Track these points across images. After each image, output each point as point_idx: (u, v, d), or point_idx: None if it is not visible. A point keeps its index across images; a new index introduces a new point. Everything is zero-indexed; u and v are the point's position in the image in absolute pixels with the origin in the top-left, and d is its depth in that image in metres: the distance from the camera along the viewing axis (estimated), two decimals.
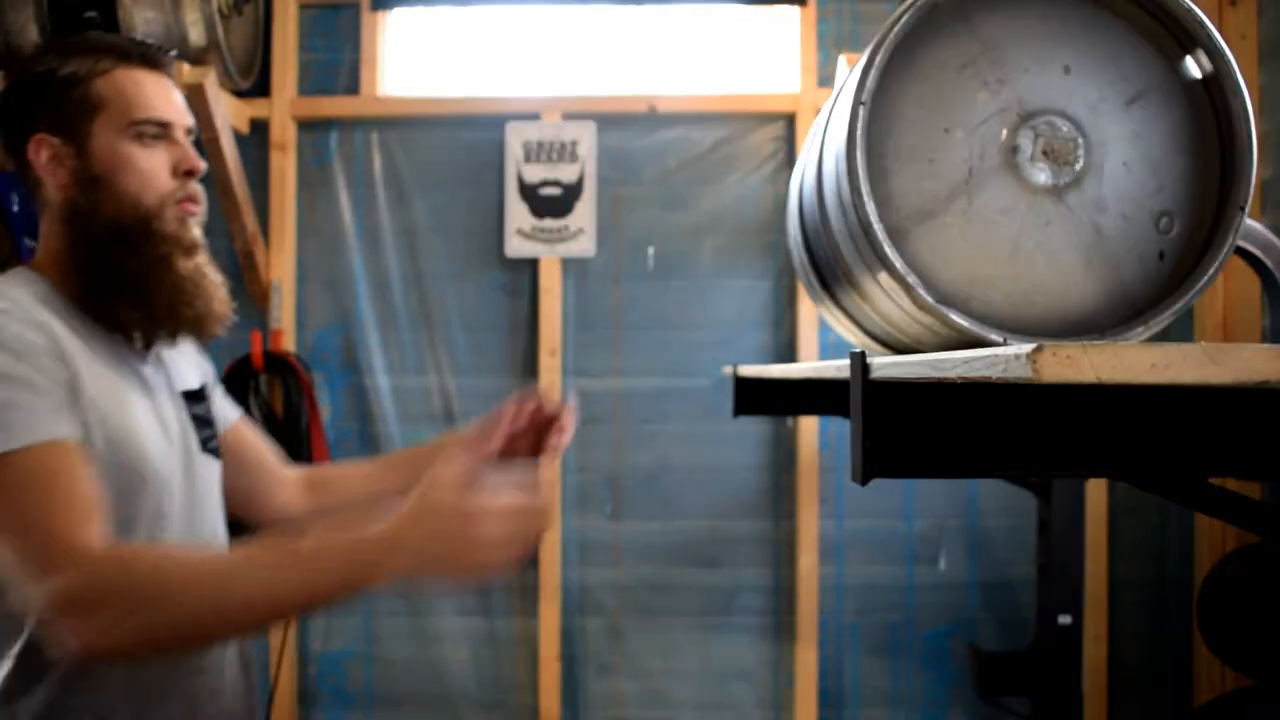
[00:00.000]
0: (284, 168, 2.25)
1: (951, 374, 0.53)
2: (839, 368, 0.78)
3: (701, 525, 2.27)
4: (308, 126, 2.28)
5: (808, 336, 2.23)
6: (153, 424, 1.02)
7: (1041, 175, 0.85)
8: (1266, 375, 0.43)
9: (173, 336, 1.08)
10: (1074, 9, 0.88)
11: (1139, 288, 0.88)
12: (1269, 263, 1.58)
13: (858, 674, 2.27)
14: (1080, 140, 0.86)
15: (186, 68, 1.97)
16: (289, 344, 2.25)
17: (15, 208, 2.01)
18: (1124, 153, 0.87)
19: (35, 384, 0.89)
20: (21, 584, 0.85)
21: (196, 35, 2.01)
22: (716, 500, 2.27)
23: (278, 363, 2.19)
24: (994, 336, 0.85)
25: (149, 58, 1.05)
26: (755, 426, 2.26)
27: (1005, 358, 0.47)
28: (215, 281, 1.10)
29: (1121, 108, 0.88)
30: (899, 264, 0.82)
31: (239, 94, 2.20)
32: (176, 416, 1.07)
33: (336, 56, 2.31)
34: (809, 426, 2.23)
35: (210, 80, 1.99)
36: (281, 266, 2.24)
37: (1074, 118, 0.86)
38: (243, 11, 2.10)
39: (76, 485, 0.88)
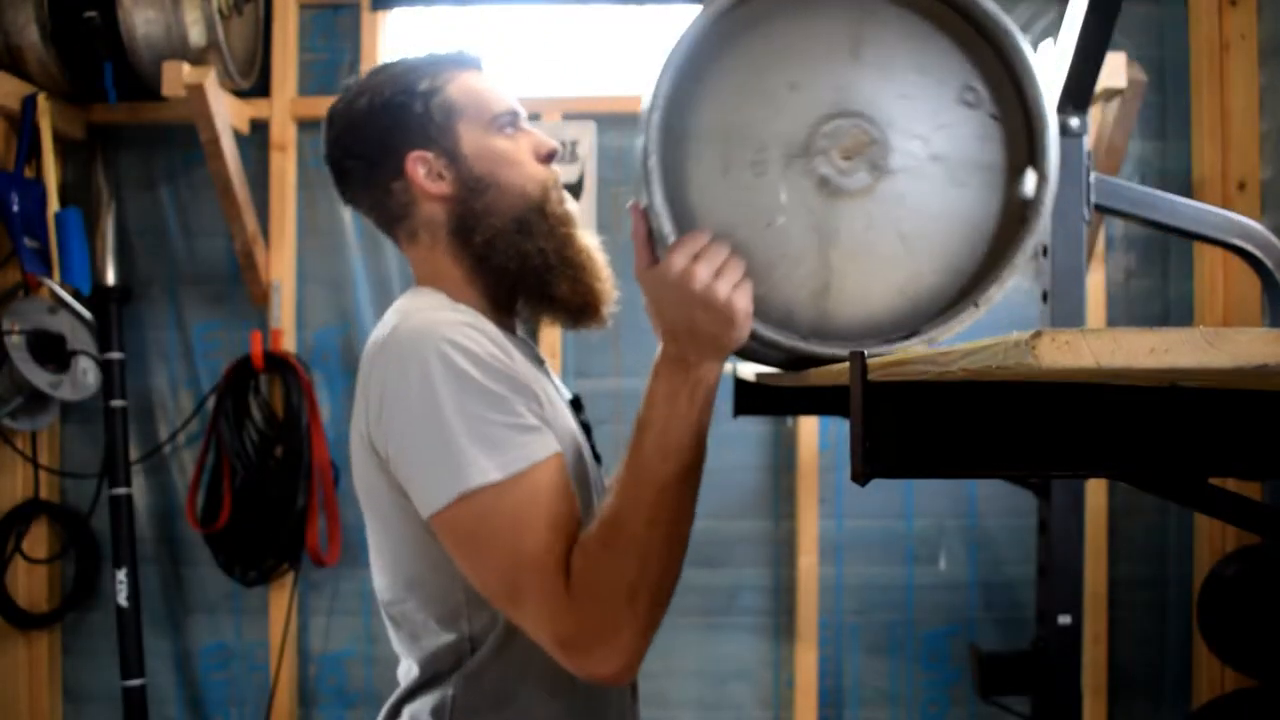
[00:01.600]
0: (284, 168, 2.25)
1: (953, 367, 0.53)
2: (839, 368, 0.78)
3: (701, 525, 2.23)
4: (308, 126, 2.28)
5: None
6: (577, 430, 1.03)
7: (842, 176, 0.85)
8: (1265, 359, 0.43)
9: (585, 316, 1.06)
10: (873, 9, 0.87)
11: (944, 284, 0.88)
12: (1269, 263, 1.58)
13: (858, 674, 2.27)
14: (880, 140, 0.85)
15: (186, 68, 1.97)
16: (289, 344, 2.25)
17: (15, 208, 2.01)
18: (926, 150, 0.87)
19: (516, 409, 0.89)
20: (514, 613, 0.88)
21: (196, 35, 2.01)
22: (716, 500, 2.27)
23: (278, 363, 2.20)
24: (797, 344, 0.87)
25: (470, 59, 1.06)
26: (755, 426, 2.26)
27: (1005, 345, 0.47)
28: (600, 265, 1.06)
29: (926, 106, 0.87)
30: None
31: (239, 94, 2.20)
32: (574, 422, 1.06)
33: (336, 56, 2.31)
34: (809, 426, 2.23)
35: (210, 80, 1.99)
36: (281, 266, 2.24)
37: (874, 118, 0.86)
38: (243, 11, 2.10)
39: (569, 502, 0.89)
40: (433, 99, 1.01)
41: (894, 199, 0.86)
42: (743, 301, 0.84)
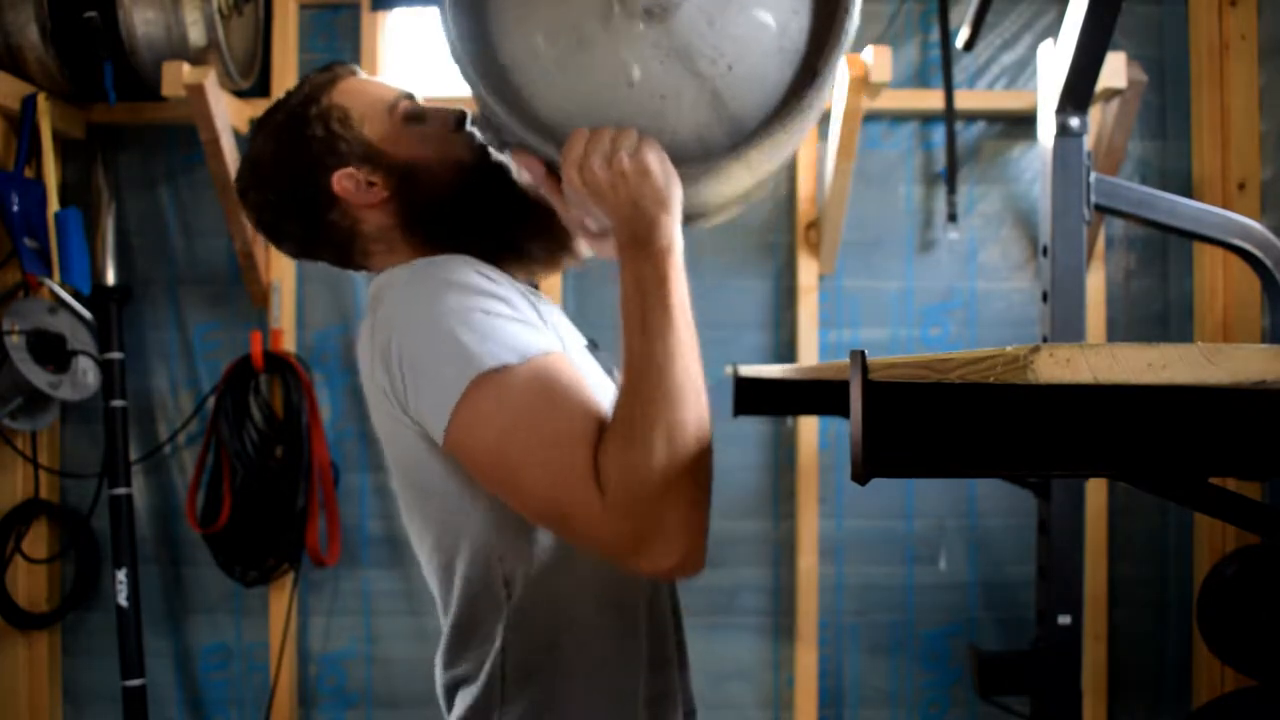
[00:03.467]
0: None
1: (951, 376, 0.53)
2: (839, 368, 0.78)
3: None
4: None
5: (808, 337, 2.23)
6: (597, 368, 1.04)
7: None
8: (1263, 375, 0.43)
9: (560, 254, 1.08)
10: None
11: (746, 108, 0.88)
12: (1269, 263, 1.59)
13: (858, 674, 2.27)
14: None
15: (186, 68, 1.97)
16: (289, 344, 2.25)
17: (15, 208, 2.01)
18: None
19: (522, 313, 0.90)
20: (559, 529, 0.87)
21: (196, 35, 2.01)
22: (716, 500, 2.25)
23: (278, 363, 2.20)
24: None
25: (346, 67, 1.06)
26: (755, 426, 2.26)
27: (1003, 359, 0.47)
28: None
29: None
30: (484, 94, 0.85)
31: (239, 94, 2.20)
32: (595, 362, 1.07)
33: (336, 56, 2.30)
34: (809, 426, 2.23)
35: (210, 80, 1.99)
36: (281, 266, 2.24)
37: None
38: (243, 11, 2.10)
39: (582, 392, 0.87)
40: (329, 118, 1.00)
41: (692, 23, 0.86)
42: (650, 156, 0.84)
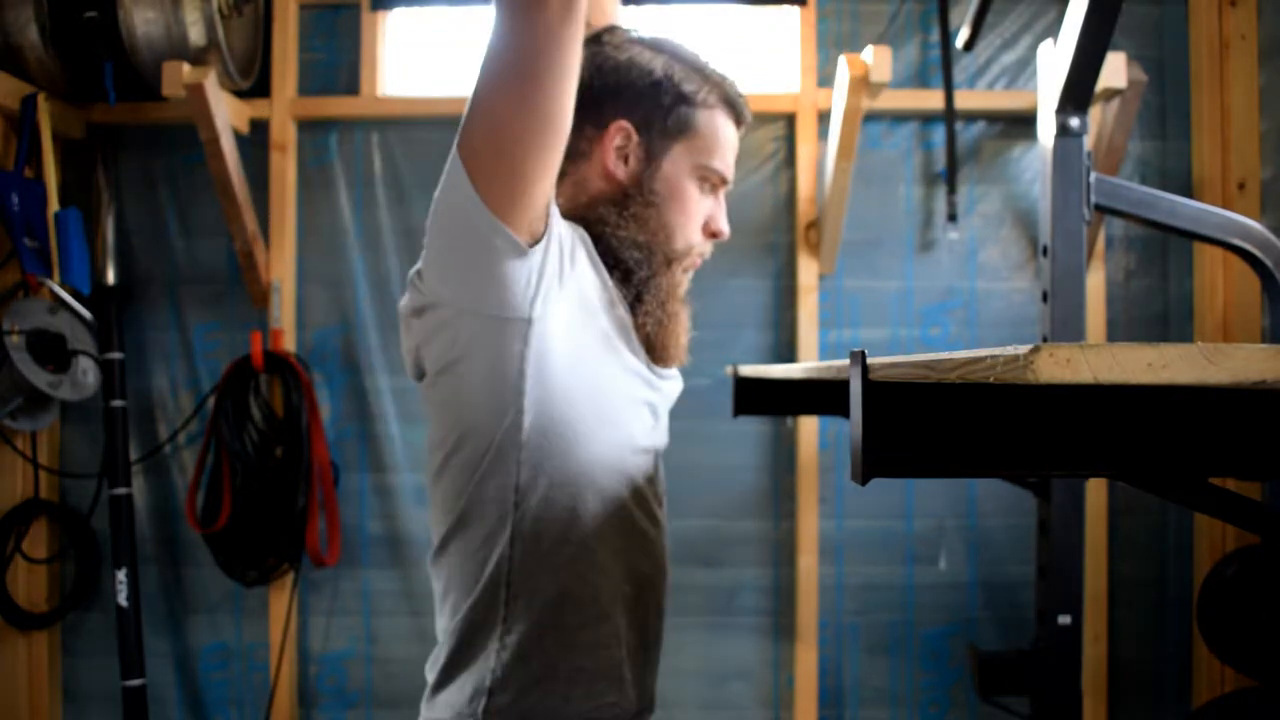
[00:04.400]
0: (284, 168, 2.25)
1: (950, 375, 0.53)
2: (839, 368, 0.78)
3: (701, 525, 2.27)
4: (308, 127, 2.28)
5: (808, 336, 2.23)
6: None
7: None
8: (1264, 375, 0.43)
9: (650, 355, 1.09)
10: None
11: None
12: (1269, 263, 1.58)
13: (858, 674, 2.27)
14: None
15: (186, 68, 1.97)
16: (289, 344, 2.25)
17: (15, 208, 2.01)
18: None
19: None
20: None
21: (196, 35, 2.01)
22: (716, 500, 2.27)
23: (278, 363, 2.20)
24: None
25: (741, 112, 1.07)
26: (755, 426, 2.26)
27: (1002, 359, 0.47)
28: (685, 328, 1.10)
29: None
30: None
31: (239, 94, 2.20)
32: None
33: (336, 56, 2.31)
34: (809, 426, 2.23)
35: (210, 80, 1.99)
36: (281, 266, 2.24)
37: None
38: (243, 11, 2.10)
39: None
40: (682, 105, 1.01)
41: None
42: None
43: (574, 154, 1.03)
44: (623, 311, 1.02)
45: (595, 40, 1.06)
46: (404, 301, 1.03)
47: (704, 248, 1.08)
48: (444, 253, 0.93)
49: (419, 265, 0.99)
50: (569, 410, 0.97)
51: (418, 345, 1.02)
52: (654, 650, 1.10)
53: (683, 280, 1.08)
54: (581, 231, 1.00)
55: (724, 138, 1.05)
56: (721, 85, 1.05)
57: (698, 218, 1.04)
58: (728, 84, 1.06)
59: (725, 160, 1.05)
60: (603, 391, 1.00)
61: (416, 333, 1.01)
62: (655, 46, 1.05)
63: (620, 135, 1.01)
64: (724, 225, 1.07)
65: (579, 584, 0.99)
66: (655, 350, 1.07)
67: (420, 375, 1.05)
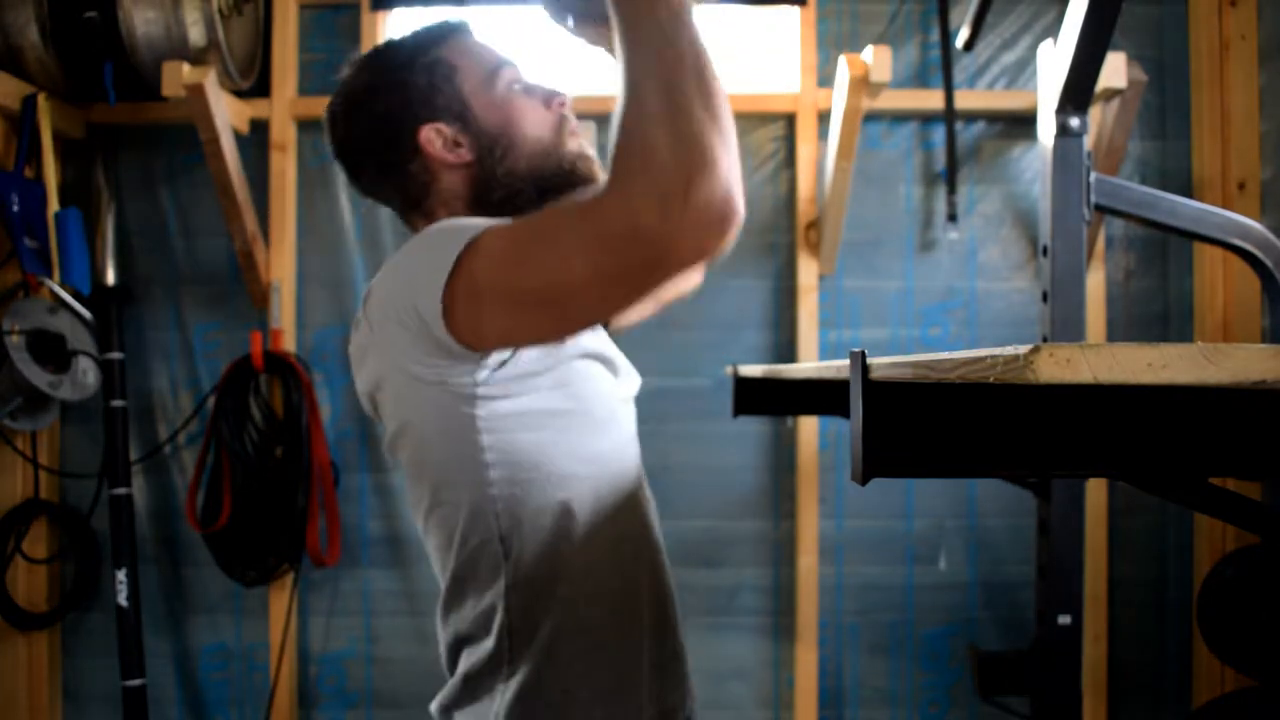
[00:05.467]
0: (284, 168, 2.25)
1: (950, 375, 0.53)
2: (839, 368, 0.78)
3: (701, 525, 2.27)
4: (308, 126, 2.28)
5: (808, 336, 2.23)
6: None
7: None
8: (1263, 375, 0.43)
9: None
10: None
11: None
12: (1269, 263, 1.59)
13: (858, 674, 2.27)
14: None
15: (186, 68, 1.97)
16: (289, 344, 2.25)
17: (15, 208, 2.01)
18: None
19: None
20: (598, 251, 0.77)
21: (196, 35, 2.01)
22: (716, 500, 2.27)
23: (278, 363, 2.19)
24: None
25: (461, 25, 1.06)
26: (755, 426, 2.26)
27: (1003, 359, 0.47)
28: None
29: None
30: None
31: (239, 94, 2.20)
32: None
33: (336, 56, 2.31)
34: (809, 426, 2.23)
35: (210, 80, 1.99)
36: (281, 266, 2.24)
37: None
38: (243, 11, 2.10)
39: None
40: (434, 69, 1.00)
41: None
42: None
43: (424, 188, 1.02)
44: None
45: (349, 114, 1.03)
46: (353, 342, 1.00)
47: (565, 116, 1.03)
48: (385, 311, 0.91)
49: (366, 297, 0.96)
50: (536, 453, 0.94)
51: (370, 392, 1.00)
52: (673, 663, 1.06)
53: (581, 152, 1.04)
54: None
55: (477, 48, 1.03)
56: (429, 30, 1.03)
57: (530, 104, 1.02)
58: (429, 26, 1.05)
59: (497, 54, 1.03)
60: (566, 406, 0.96)
61: (366, 378, 0.98)
62: (368, 70, 1.03)
63: (433, 135, 0.99)
64: (558, 90, 1.03)
65: (577, 619, 0.97)
66: None
67: (379, 416, 1.02)
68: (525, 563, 0.95)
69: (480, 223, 0.86)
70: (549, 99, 1.03)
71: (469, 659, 0.98)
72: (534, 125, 1.01)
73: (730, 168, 0.74)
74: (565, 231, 0.79)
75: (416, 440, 0.97)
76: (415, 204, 1.04)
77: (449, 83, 1.00)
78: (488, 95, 1.00)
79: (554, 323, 0.83)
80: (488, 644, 0.96)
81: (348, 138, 1.03)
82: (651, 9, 0.77)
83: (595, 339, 1.02)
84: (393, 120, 1.00)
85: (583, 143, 1.05)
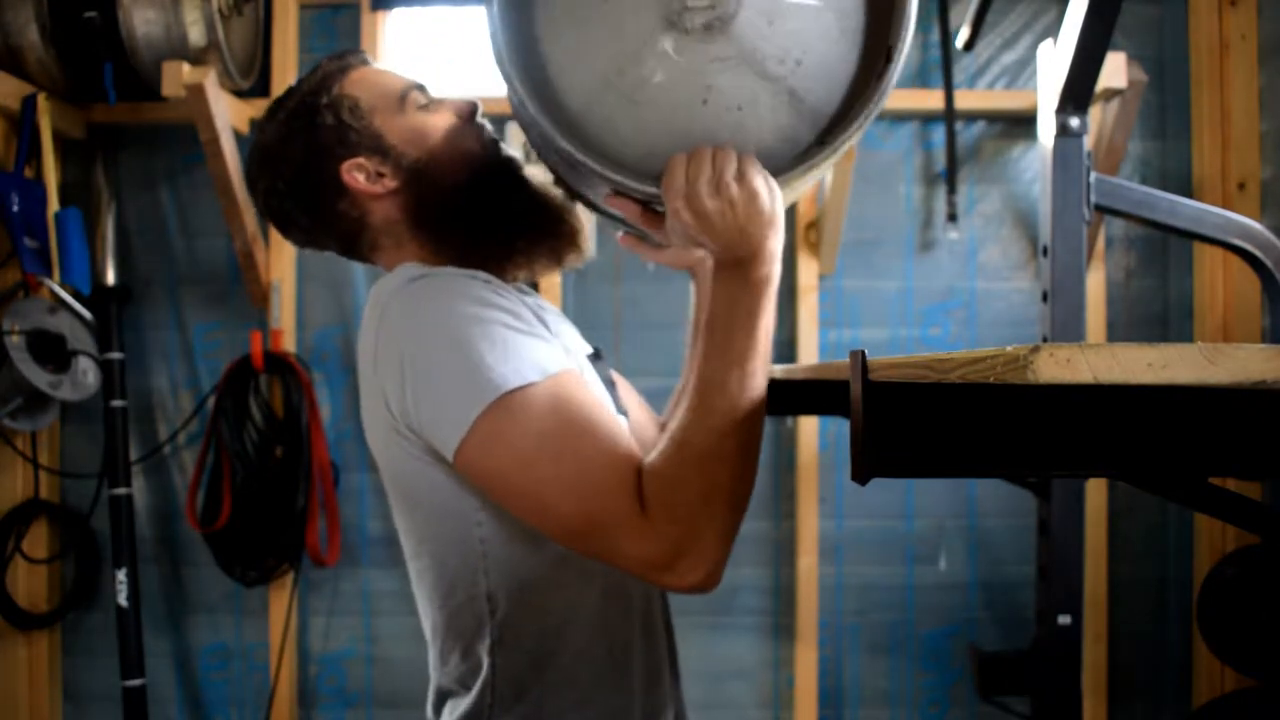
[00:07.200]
0: None
1: (950, 375, 0.53)
2: (839, 368, 0.78)
3: None
4: None
5: (808, 336, 2.23)
6: (600, 383, 1.03)
7: (714, 9, 0.83)
8: (1263, 375, 0.43)
9: (564, 252, 1.06)
10: None
11: (823, 99, 0.87)
12: (1269, 263, 1.58)
13: (858, 674, 2.27)
14: None
15: (186, 68, 1.97)
16: (289, 344, 2.25)
17: (15, 208, 2.01)
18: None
19: (537, 332, 0.90)
20: (588, 542, 0.86)
21: (196, 35, 2.00)
22: None
23: (278, 363, 2.19)
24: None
25: (358, 56, 1.05)
26: None
27: (1003, 359, 0.47)
28: (558, 192, 1.05)
29: None
30: (568, 145, 0.85)
31: (239, 94, 2.20)
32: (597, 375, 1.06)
33: None
34: (809, 426, 2.23)
35: (210, 80, 1.99)
36: (281, 266, 2.24)
37: None
38: (243, 11, 2.10)
39: (604, 409, 0.88)
40: (339, 107, 0.99)
41: (753, 42, 0.85)
42: (756, 178, 0.83)
43: (358, 223, 1.01)
44: (529, 299, 0.99)
45: (267, 169, 1.03)
46: (369, 365, 0.98)
47: (480, 123, 1.03)
48: (385, 388, 0.91)
49: (403, 398, 0.92)
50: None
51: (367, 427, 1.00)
52: (658, 689, 1.06)
53: (509, 159, 1.04)
54: (481, 283, 0.94)
55: (377, 77, 1.02)
56: (324, 69, 1.03)
57: (442, 119, 1.01)
58: (323, 64, 1.04)
59: (400, 79, 1.02)
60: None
61: (370, 413, 0.98)
62: (276, 125, 1.02)
63: (355, 171, 0.98)
64: (466, 101, 1.03)
65: (564, 677, 0.97)
66: (557, 248, 1.04)
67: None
68: (511, 621, 0.94)
69: (498, 356, 0.85)
70: (460, 110, 1.02)
71: (451, 714, 0.98)
72: (452, 139, 1.00)
73: (725, 554, 0.87)
74: (575, 478, 0.85)
75: (406, 492, 0.97)
76: (353, 241, 1.03)
77: (357, 117, 0.99)
78: (399, 121, 0.99)
79: (518, 512, 0.88)
80: (470, 699, 0.96)
81: (272, 191, 1.02)
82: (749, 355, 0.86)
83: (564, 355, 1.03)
84: (312, 165, 0.99)
85: (505, 146, 1.05)
